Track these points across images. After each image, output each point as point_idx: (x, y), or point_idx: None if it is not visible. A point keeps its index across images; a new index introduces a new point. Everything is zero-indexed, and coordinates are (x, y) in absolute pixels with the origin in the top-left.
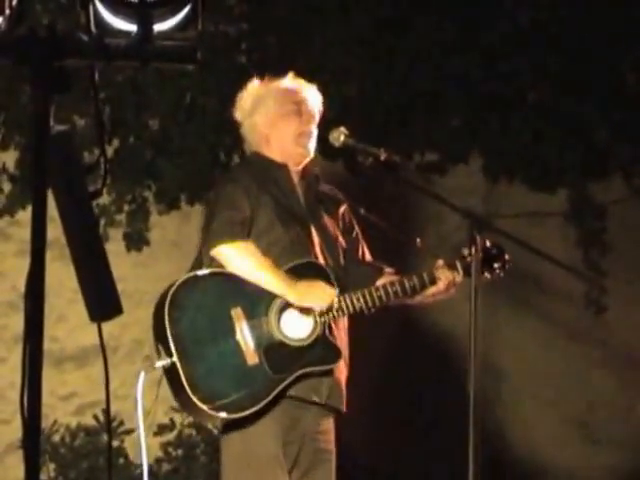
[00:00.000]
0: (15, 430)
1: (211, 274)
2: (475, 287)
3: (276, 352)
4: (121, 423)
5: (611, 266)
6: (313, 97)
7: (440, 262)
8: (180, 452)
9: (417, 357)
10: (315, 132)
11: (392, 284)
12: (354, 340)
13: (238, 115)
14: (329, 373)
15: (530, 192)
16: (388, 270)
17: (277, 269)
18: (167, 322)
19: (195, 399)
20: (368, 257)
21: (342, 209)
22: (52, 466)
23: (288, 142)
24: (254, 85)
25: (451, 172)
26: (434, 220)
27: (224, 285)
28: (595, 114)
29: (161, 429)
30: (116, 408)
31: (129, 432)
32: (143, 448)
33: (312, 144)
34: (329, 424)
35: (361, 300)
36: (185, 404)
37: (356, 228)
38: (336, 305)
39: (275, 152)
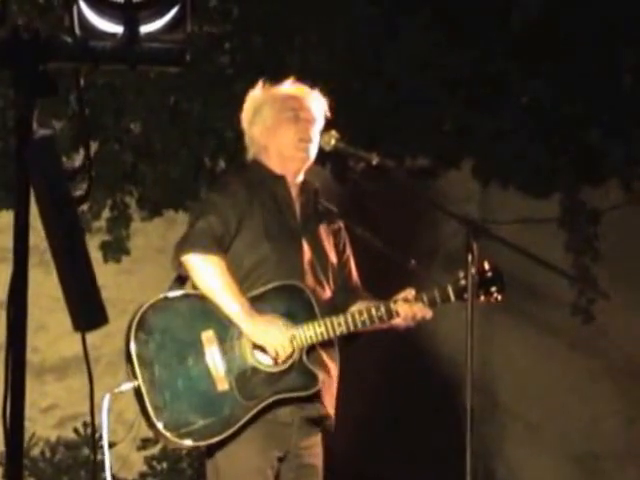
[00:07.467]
0: None
1: (183, 295)
2: (471, 312)
3: (248, 378)
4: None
5: (601, 273)
6: (313, 102)
7: (406, 294)
8: (165, 465)
9: (411, 368)
10: (316, 137)
11: (360, 313)
12: (349, 352)
13: (243, 125)
14: (315, 399)
15: (524, 197)
16: (366, 296)
17: (240, 296)
18: (133, 344)
19: (159, 426)
20: (354, 281)
21: (337, 227)
22: None
23: (287, 148)
24: (254, 94)
25: (445, 178)
26: (429, 226)
27: (196, 307)
28: (589, 116)
29: (145, 443)
30: (98, 421)
31: (111, 445)
32: (108, 474)
33: (313, 149)
34: (315, 439)
35: (329, 327)
36: (152, 430)
37: (347, 250)
38: (307, 332)
39: (274, 161)
